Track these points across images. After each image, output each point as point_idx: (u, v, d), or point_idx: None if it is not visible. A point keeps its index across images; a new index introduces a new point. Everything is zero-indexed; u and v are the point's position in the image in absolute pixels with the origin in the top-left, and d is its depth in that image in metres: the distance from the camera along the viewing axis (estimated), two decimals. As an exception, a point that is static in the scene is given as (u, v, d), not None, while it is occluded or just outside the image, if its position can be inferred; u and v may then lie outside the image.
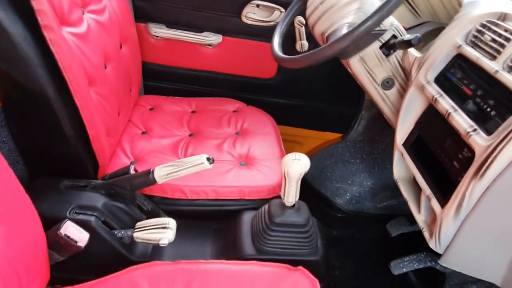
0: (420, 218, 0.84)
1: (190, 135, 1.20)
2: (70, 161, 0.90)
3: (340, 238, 1.48)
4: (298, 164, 0.79)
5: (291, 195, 0.84)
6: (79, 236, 0.69)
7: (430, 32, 1.24)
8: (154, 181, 0.83)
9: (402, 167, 0.96)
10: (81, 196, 0.82)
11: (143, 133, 1.19)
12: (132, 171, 0.89)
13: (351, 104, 1.60)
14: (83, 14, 0.94)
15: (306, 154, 1.72)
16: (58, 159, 0.89)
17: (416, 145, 0.90)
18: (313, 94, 1.58)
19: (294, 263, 0.83)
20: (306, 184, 1.68)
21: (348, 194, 1.63)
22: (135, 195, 0.88)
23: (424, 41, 1.24)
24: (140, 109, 1.30)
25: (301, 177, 0.81)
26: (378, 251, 1.42)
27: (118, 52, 1.13)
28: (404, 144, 0.92)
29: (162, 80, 1.51)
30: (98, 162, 0.94)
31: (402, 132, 0.93)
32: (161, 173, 0.82)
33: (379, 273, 1.32)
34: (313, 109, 1.62)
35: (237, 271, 0.76)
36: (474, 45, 0.80)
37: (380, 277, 1.30)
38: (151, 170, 0.83)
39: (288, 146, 1.70)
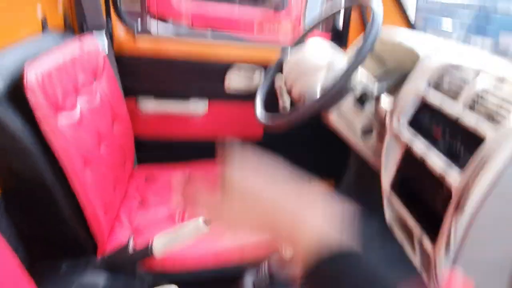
0: (416, 260, 0.86)
1: (185, 201, 1.23)
2: (69, 242, 0.92)
3: None
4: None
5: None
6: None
7: (398, 78, 1.33)
8: (153, 253, 0.84)
9: (392, 210, 0.99)
10: (82, 277, 0.84)
11: (140, 203, 1.22)
12: (131, 246, 0.91)
13: (340, 150, 1.66)
14: (77, 100, 1.02)
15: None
16: (57, 241, 0.92)
17: (401, 187, 0.94)
18: (301, 148, 1.65)
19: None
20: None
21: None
22: (135, 269, 0.90)
23: (393, 88, 1.33)
24: (136, 181, 1.34)
25: None
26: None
27: (110, 130, 1.19)
28: (391, 188, 0.96)
29: (154, 149, 1.57)
30: (97, 239, 0.96)
31: (386, 177, 0.97)
32: (159, 245, 0.84)
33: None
34: (302, 162, 1.66)
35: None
36: (436, 88, 0.87)
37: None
38: (149, 245, 0.85)
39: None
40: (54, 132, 0.84)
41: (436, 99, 0.84)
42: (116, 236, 1.07)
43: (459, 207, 0.68)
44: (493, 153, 0.64)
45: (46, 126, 0.82)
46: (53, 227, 0.90)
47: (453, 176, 0.70)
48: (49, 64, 0.90)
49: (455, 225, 0.69)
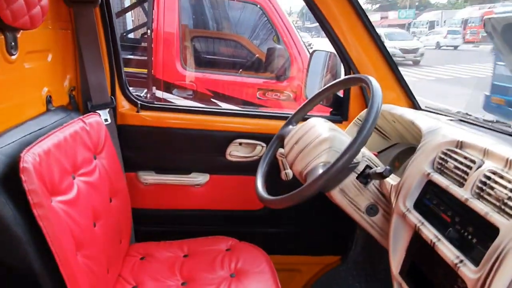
0: None
1: (182, 283, 1.16)
2: None
3: None
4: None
5: None
6: None
7: (402, 153, 1.32)
8: None
9: (404, 296, 0.92)
10: None
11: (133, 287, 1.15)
12: None
13: (346, 224, 1.60)
14: (74, 179, 1.00)
15: (307, 281, 1.67)
16: None
17: (412, 273, 0.88)
18: (305, 218, 1.59)
19: None
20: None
21: (359, 326, 1.51)
22: None
23: (397, 163, 1.31)
24: (131, 260, 1.28)
25: None
26: None
27: (108, 207, 1.16)
28: (400, 273, 0.90)
29: (153, 224, 1.52)
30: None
31: (396, 261, 0.92)
32: None
33: None
34: (307, 234, 1.61)
35: None
36: (441, 172, 0.85)
37: None
38: None
39: (287, 276, 1.64)
40: (47, 217, 0.81)
41: (442, 183, 0.81)
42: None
43: (478, 306, 0.62)
44: (510, 250, 0.59)
45: (39, 212, 0.79)
46: None
47: (467, 271, 0.65)
48: (48, 144, 0.90)
49: (476, 327, 0.62)
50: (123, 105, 1.46)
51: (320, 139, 1.01)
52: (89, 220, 1.01)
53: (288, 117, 1.25)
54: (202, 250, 1.32)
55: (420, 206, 0.87)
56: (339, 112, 1.58)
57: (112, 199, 1.21)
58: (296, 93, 3.87)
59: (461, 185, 0.77)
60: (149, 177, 1.47)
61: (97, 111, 1.30)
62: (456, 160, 0.81)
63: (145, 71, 3.99)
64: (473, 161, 0.77)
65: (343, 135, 1.05)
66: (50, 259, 0.81)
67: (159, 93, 3.64)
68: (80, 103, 1.35)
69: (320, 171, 0.95)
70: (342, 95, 1.59)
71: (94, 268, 0.97)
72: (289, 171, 1.51)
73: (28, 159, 0.79)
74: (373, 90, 0.95)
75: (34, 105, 1.09)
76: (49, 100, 1.16)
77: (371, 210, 1.04)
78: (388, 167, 0.90)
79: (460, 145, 0.84)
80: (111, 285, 1.11)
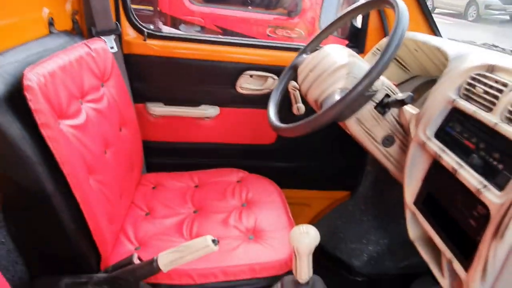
0: (445, 282, 0.78)
1: (194, 211, 1.18)
2: (71, 256, 0.87)
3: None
4: (307, 238, 0.75)
5: (304, 271, 0.79)
6: None
7: (422, 86, 1.26)
8: (158, 270, 0.79)
9: (417, 227, 0.91)
10: (82, 294, 0.78)
11: (146, 214, 1.17)
12: (135, 260, 0.85)
13: (356, 160, 1.58)
14: (82, 104, 0.97)
15: (316, 215, 1.70)
16: (59, 255, 0.87)
17: (428, 203, 0.86)
18: (316, 153, 1.58)
19: None
20: (320, 248, 1.61)
21: (365, 255, 1.54)
22: (140, 286, 0.84)
23: (416, 95, 1.25)
24: (143, 189, 1.29)
25: (312, 251, 0.77)
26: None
27: (118, 136, 1.14)
28: (415, 203, 0.89)
29: (164, 156, 1.52)
30: (100, 253, 0.91)
31: (410, 190, 0.90)
32: (165, 261, 0.78)
33: None
34: (318, 169, 1.60)
35: None
36: (467, 98, 0.80)
37: None
38: (155, 258, 0.79)
39: (297, 209, 1.66)
40: (56, 139, 0.79)
41: (468, 109, 0.77)
42: (121, 249, 1.02)
43: (499, 231, 0.60)
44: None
45: (47, 133, 0.77)
46: (54, 241, 0.85)
47: (491, 196, 0.63)
48: (53, 66, 0.86)
49: (494, 252, 0.61)
50: (129, 32, 1.39)
51: (337, 65, 0.95)
52: (100, 147, 1.00)
53: (302, 48, 1.18)
54: (213, 181, 1.33)
55: (441, 134, 0.83)
56: (355, 44, 1.49)
57: (122, 129, 1.19)
58: (308, 30, 3.70)
59: (489, 110, 0.72)
60: (157, 109, 1.43)
61: (102, 37, 1.23)
62: (485, 84, 0.76)
63: (151, 8, 3.81)
64: (504, 85, 0.72)
65: (362, 62, 0.99)
66: (63, 181, 0.81)
67: (166, 29, 3.50)
68: (84, 28, 1.28)
69: (337, 97, 0.90)
70: (359, 27, 1.49)
71: (107, 193, 0.97)
72: (301, 105, 1.46)
73: (32, 77, 0.76)
74: (398, 12, 0.86)
75: (35, 26, 1.04)
76: (51, 23, 1.10)
77: (387, 141, 1.00)
78: (410, 93, 0.85)
79: (492, 69, 0.78)
80: (124, 211, 1.12)
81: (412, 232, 0.92)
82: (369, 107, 0.96)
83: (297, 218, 1.68)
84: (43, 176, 0.78)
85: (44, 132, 0.77)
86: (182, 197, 1.23)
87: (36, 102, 0.75)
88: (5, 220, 0.83)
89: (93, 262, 0.91)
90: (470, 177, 0.69)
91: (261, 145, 1.51)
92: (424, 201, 0.87)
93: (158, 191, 1.28)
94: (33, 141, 0.77)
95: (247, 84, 1.45)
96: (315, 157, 1.58)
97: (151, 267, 0.78)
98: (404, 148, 1.00)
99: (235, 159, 1.51)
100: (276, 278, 0.92)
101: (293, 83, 1.40)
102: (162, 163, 1.50)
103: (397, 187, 1.58)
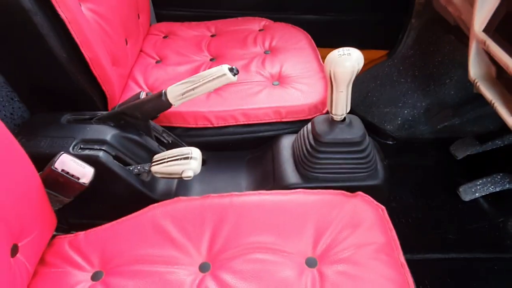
0: (514, 120, 0.64)
1: (211, 59, 1.03)
2: (72, 93, 0.76)
3: (393, 167, 1.29)
4: (348, 60, 0.60)
5: (341, 105, 0.66)
6: (81, 171, 0.56)
7: None
8: (168, 104, 0.67)
9: (482, 61, 0.74)
10: (86, 129, 0.69)
11: (157, 62, 1.03)
12: (143, 97, 0.73)
13: (397, 13, 1.34)
14: None
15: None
16: (57, 92, 0.76)
17: (504, 26, 0.67)
18: (350, 4, 1.34)
19: (350, 189, 0.67)
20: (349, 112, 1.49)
21: (399, 119, 1.42)
22: (149, 125, 0.74)
23: None
24: (153, 38, 1.13)
25: (353, 79, 0.62)
26: (441, 177, 1.23)
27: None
28: (486, 30, 0.70)
29: (175, 5, 1.32)
30: (105, 94, 0.80)
31: (483, 14, 0.70)
32: (175, 93, 0.66)
33: (444, 201, 1.14)
34: (352, 23, 1.38)
35: (280, 202, 0.62)
36: None
37: (446, 205, 1.12)
38: (163, 91, 0.67)
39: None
40: None
41: None
42: (130, 93, 0.90)
43: None
44: None
45: None
46: (48, 73, 0.73)
47: None
48: None
49: None
50: None
51: None
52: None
53: None
54: (232, 29, 1.15)
55: None
56: None
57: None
58: None
59: None
60: None
61: None
62: None
63: None
64: None
65: None
66: (53, 12, 0.66)
67: None
68: None
69: None
70: None
71: (107, 29, 0.82)
72: None
73: None
74: None
75: None
76: None
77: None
78: None
79: None
80: (132, 58, 0.99)
81: (475, 70, 0.75)
82: None
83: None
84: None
85: None
86: (197, 45, 1.07)
87: None
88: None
89: (98, 102, 0.80)
90: None
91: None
92: (500, 25, 0.68)
93: (170, 40, 1.12)
94: None
95: None
96: (349, 9, 1.34)
97: (159, 100, 0.66)
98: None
99: (255, 9, 1.28)
100: (305, 123, 0.81)
101: None
102: (173, 14, 1.31)
103: (445, 42, 1.37)
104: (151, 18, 1.29)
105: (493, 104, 0.70)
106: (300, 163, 0.71)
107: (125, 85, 0.94)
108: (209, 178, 0.80)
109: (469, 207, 1.10)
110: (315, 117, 0.82)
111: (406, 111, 1.41)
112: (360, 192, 0.63)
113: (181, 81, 0.67)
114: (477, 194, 1.05)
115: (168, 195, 0.73)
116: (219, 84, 0.64)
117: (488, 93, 0.72)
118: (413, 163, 1.35)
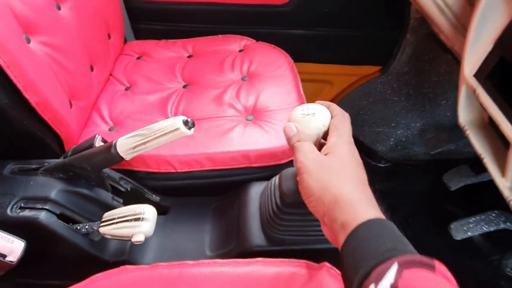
0: (505, 184, 0.57)
1: (184, 86, 0.96)
2: (19, 139, 0.69)
3: (384, 192, 1.22)
4: (312, 121, 0.53)
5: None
6: (8, 247, 0.50)
7: None
8: (119, 157, 0.60)
9: (473, 108, 0.67)
10: (29, 183, 0.62)
11: (126, 89, 0.96)
12: (98, 143, 0.67)
13: (392, 27, 1.25)
14: None
15: (339, 94, 1.45)
16: (1, 138, 0.68)
17: (497, 74, 0.60)
18: (341, 18, 1.25)
19: (319, 253, 0.61)
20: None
21: (392, 139, 1.34)
22: (102, 176, 0.67)
23: None
24: (125, 60, 1.06)
25: (320, 137, 0.55)
26: (433, 208, 1.16)
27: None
28: (477, 75, 0.62)
29: (154, 20, 1.24)
30: (59, 135, 0.73)
31: (474, 57, 0.62)
32: (125, 147, 0.59)
33: (434, 236, 1.07)
34: (343, 38, 1.29)
35: (235, 275, 0.55)
36: None
37: (435, 241, 1.05)
38: (113, 143, 0.60)
39: (317, 87, 1.41)
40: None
41: None
42: (92, 129, 0.84)
43: None
44: None
45: None
46: None
47: None
48: None
49: None
50: None
51: None
52: (47, -2, 0.74)
53: None
54: (211, 50, 1.07)
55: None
56: None
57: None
58: None
59: None
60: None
61: None
62: None
63: None
64: None
65: None
66: None
67: None
68: None
69: None
70: None
71: (63, 61, 0.75)
72: None
73: None
74: None
75: None
76: None
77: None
78: None
79: None
80: (98, 86, 0.92)
81: (465, 115, 0.68)
82: None
83: (315, 97, 1.45)
84: None
85: None
86: (170, 69, 1.00)
87: None
88: None
89: (54, 146, 0.74)
90: None
91: (271, 6, 1.18)
92: (492, 72, 0.60)
93: (143, 61, 1.05)
94: None
95: None
96: (339, 23, 1.25)
97: (109, 153, 0.60)
98: (471, 1, 0.69)
99: (239, 24, 1.20)
100: (277, 168, 0.74)
101: None
102: (152, 29, 1.23)
103: (442, 61, 1.28)
104: (128, 34, 1.22)
105: (483, 159, 0.62)
106: (265, 222, 0.64)
107: (88, 118, 0.87)
108: (170, 230, 0.74)
109: (462, 243, 1.03)
110: (287, 162, 0.75)
111: (399, 132, 1.34)
112: (326, 263, 0.56)
113: (132, 133, 0.60)
114: (469, 233, 0.98)
115: (121, 255, 0.67)
116: (173, 138, 0.58)
117: (478, 145, 0.64)
118: (404, 189, 1.28)
